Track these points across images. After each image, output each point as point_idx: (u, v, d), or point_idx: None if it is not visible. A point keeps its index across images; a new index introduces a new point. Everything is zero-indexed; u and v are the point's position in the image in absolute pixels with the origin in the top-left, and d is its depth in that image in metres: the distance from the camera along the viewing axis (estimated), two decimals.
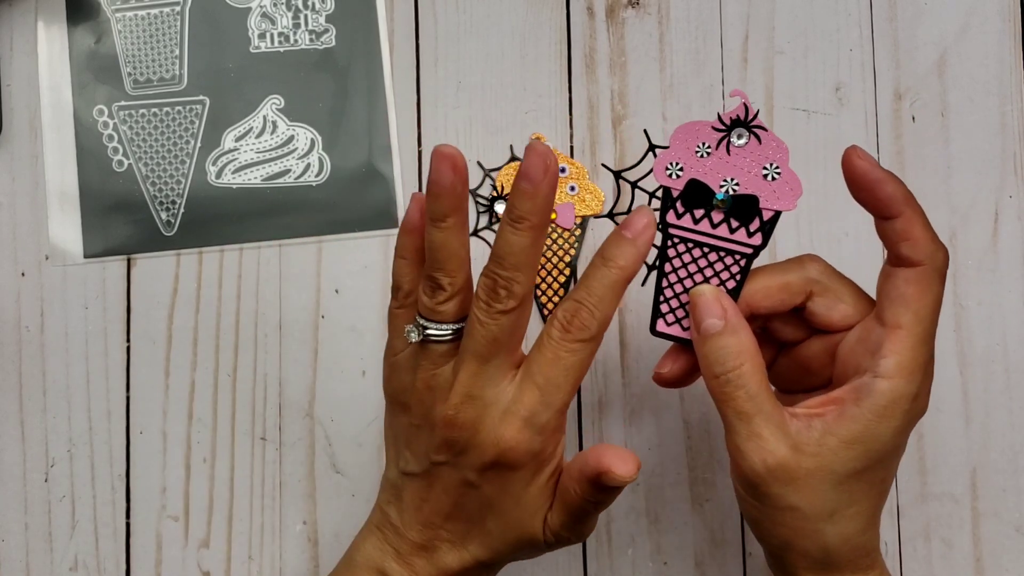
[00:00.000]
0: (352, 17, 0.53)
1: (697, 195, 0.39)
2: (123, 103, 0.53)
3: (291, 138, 0.53)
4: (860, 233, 0.52)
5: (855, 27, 0.54)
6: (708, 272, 0.40)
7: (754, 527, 0.41)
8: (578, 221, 0.52)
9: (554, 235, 0.52)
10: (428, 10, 0.54)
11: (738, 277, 0.39)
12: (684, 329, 0.40)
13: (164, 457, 0.52)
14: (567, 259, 0.52)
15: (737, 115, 0.39)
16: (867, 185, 0.37)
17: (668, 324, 0.40)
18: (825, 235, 0.52)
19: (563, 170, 0.52)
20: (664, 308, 0.40)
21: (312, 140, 0.53)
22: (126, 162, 0.53)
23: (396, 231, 0.52)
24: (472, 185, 0.52)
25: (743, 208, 0.39)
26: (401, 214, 0.52)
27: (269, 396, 0.52)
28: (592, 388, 0.52)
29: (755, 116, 0.39)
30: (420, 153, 0.53)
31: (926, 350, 0.38)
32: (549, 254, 0.52)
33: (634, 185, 0.40)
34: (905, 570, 0.51)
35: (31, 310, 0.52)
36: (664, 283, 0.40)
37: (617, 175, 0.40)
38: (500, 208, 0.52)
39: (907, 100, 0.53)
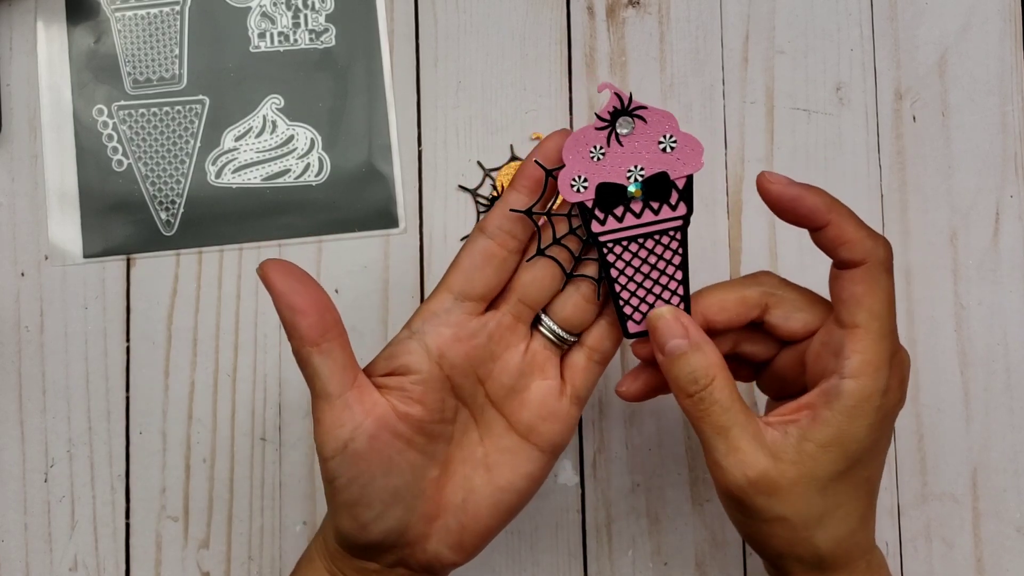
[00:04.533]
0: (352, 17, 0.53)
1: (610, 196, 0.39)
2: (123, 103, 0.53)
3: (291, 138, 0.53)
4: None
5: (855, 27, 0.54)
6: (652, 259, 0.40)
7: (747, 540, 0.41)
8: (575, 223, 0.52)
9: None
10: (428, 10, 0.54)
11: (680, 251, 0.40)
12: None
13: (164, 457, 0.52)
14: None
15: (613, 106, 0.39)
16: (786, 205, 0.38)
17: (638, 323, 0.40)
18: None
19: None
20: (628, 310, 0.40)
21: (312, 140, 0.53)
22: (126, 162, 0.53)
23: (396, 231, 0.52)
24: (472, 185, 0.52)
25: (657, 188, 0.39)
26: (401, 214, 0.52)
27: (269, 396, 0.52)
28: None
29: (630, 101, 0.39)
30: (420, 153, 0.53)
31: (888, 344, 0.38)
32: None
33: (549, 214, 0.39)
34: (906, 570, 0.51)
35: (31, 310, 0.52)
36: (617, 288, 0.40)
37: (529, 213, 0.39)
38: None
39: (908, 100, 0.53)
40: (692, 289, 0.40)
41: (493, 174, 0.52)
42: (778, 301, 0.40)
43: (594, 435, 0.52)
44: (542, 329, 0.41)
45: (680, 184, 0.39)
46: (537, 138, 0.52)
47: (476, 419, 0.41)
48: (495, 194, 0.52)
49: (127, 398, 0.52)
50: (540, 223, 0.40)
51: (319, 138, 0.53)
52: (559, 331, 0.40)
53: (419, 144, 0.53)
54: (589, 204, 0.39)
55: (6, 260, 0.52)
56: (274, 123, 0.53)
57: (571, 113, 0.53)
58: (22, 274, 0.52)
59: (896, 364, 0.38)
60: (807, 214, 0.38)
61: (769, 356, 0.42)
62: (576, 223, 0.40)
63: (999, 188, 0.53)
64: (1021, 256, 0.53)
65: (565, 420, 0.41)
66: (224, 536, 0.51)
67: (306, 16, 0.53)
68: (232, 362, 0.52)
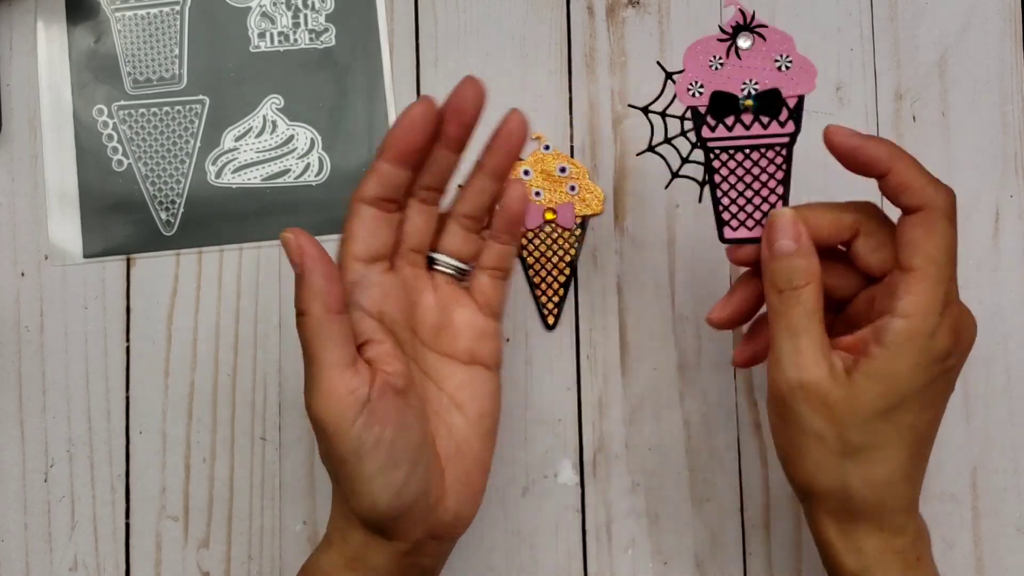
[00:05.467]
0: (352, 17, 0.53)
1: (723, 104, 0.42)
2: (123, 103, 0.53)
3: (291, 138, 0.53)
4: None
5: (855, 27, 0.54)
6: (755, 171, 0.42)
7: (782, 458, 0.41)
8: (578, 221, 0.52)
9: (554, 235, 0.52)
10: (428, 10, 0.54)
11: (784, 167, 0.42)
12: (750, 229, 0.42)
13: (164, 457, 0.52)
14: (567, 259, 0.52)
15: (736, 21, 0.42)
16: (850, 154, 0.40)
17: (734, 229, 0.42)
18: None
19: (563, 170, 0.52)
20: (726, 216, 0.42)
21: (312, 140, 0.53)
22: (126, 162, 0.53)
23: None
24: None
25: (768, 103, 0.41)
26: None
27: (269, 396, 0.52)
28: (592, 388, 0.52)
29: (752, 17, 0.41)
30: None
31: (942, 289, 0.39)
32: (549, 254, 0.52)
33: (663, 115, 0.42)
34: None
35: (31, 310, 0.52)
36: (719, 193, 0.42)
37: (645, 110, 0.41)
38: None
39: (908, 100, 0.53)
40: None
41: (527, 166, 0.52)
42: (870, 231, 0.41)
43: (594, 435, 0.52)
44: (440, 268, 0.43)
45: (791, 103, 0.42)
46: (538, 138, 0.52)
47: (424, 370, 0.42)
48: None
49: (127, 398, 0.52)
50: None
51: (319, 138, 0.53)
52: (455, 263, 0.43)
53: None
54: (702, 110, 0.42)
55: (6, 260, 0.52)
56: (274, 123, 0.53)
57: (571, 113, 0.53)
58: (22, 274, 0.52)
59: (950, 314, 0.39)
60: (868, 162, 0.39)
61: (850, 294, 0.43)
62: (688, 126, 0.42)
63: (999, 188, 0.53)
64: (1021, 256, 0.53)
65: (494, 334, 0.43)
66: (224, 536, 0.51)
67: (306, 16, 0.53)
68: (232, 362, 0.52)
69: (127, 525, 0.51)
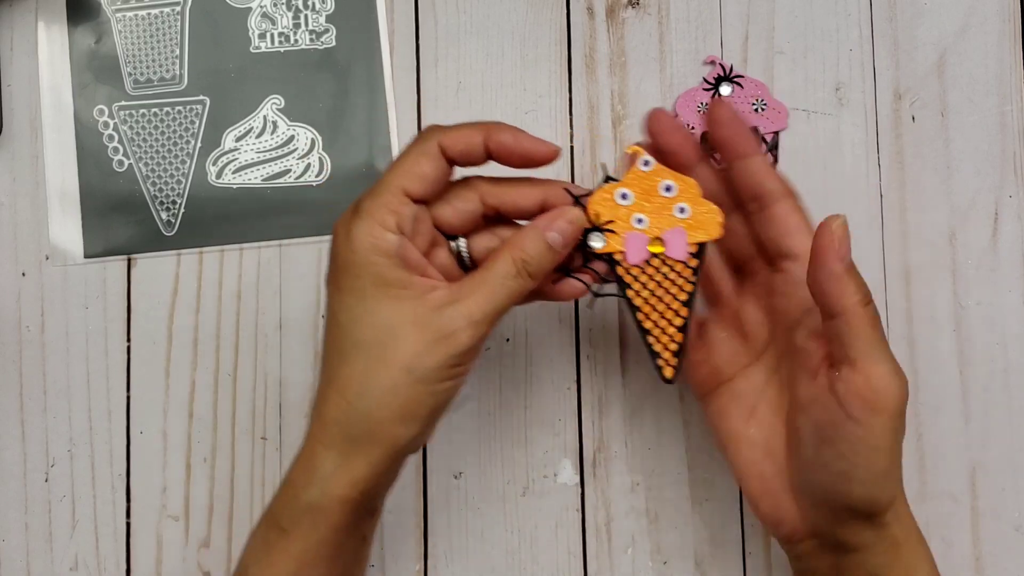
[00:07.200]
0: (352, 17, 0.53)
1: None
2: (123, 103, 0.53)
3: (291, 138, 0.53)
4: (860, 232, 0.52)
5: (855, 27, 0.54)
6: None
7: (847, 481, 0.40)
8: (693, 250, 0.42)
9: (664, 269, 0.42)
10: (428, 10, 0.54)
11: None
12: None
13: (164, 457, 0.52)
14: (682, 297, 0.43)
15: (717, 74, 0.52)
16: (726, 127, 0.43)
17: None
18: None
19: (668, 188, 0.42)
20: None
21: (312, 140, 0.53)
22: (126, 162, 0.53)
23: None
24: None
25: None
26: None
27: (269, 396, 0.52)
28: (592, 388, 0.52)
29: (731, 69, 0.52)
30: None
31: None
32: (660, 292, 0.43)
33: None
34: None
35: (31, 310, 0.52)
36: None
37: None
38: (596, 243, 0.42)
39: (907, 100, 0.53)
40: None
41: (584, 200, 0.42)
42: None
43: (594, 434, 0.52)
44: (452, 245, 0.43)
45: (768, 138, 0.52)
46: (634, 153, 0.43)
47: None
48: (587, 225, 0.42)
49: (128, 398, 0.52)
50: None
51: (319, 138, 0.53)
52: (467, 254, 0.43)
53: None
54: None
55: (7, 260, 0.52)
56: (274, 123, 0.53)
57: (571, 113, 0.53)
58: (23, 274, 0.52)
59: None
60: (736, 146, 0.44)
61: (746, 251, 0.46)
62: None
63: (998, 188, 0.53)
64: (1020, 256, 0.53)
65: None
66: (225, 535, 0.51)
67: (306, 16, 0.53)
68: (233, 361, 0.52)
69: (128, 525, 0.51)
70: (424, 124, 0.53)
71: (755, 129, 0.49)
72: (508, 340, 0.52)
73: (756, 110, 0.52)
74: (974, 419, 0.52)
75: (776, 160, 0.48)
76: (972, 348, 0.52)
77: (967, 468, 0.52)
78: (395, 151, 0.53)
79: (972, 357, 0.52)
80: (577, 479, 0.52)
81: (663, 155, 0.43)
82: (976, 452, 0.52)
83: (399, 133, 0.53)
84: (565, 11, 0.54)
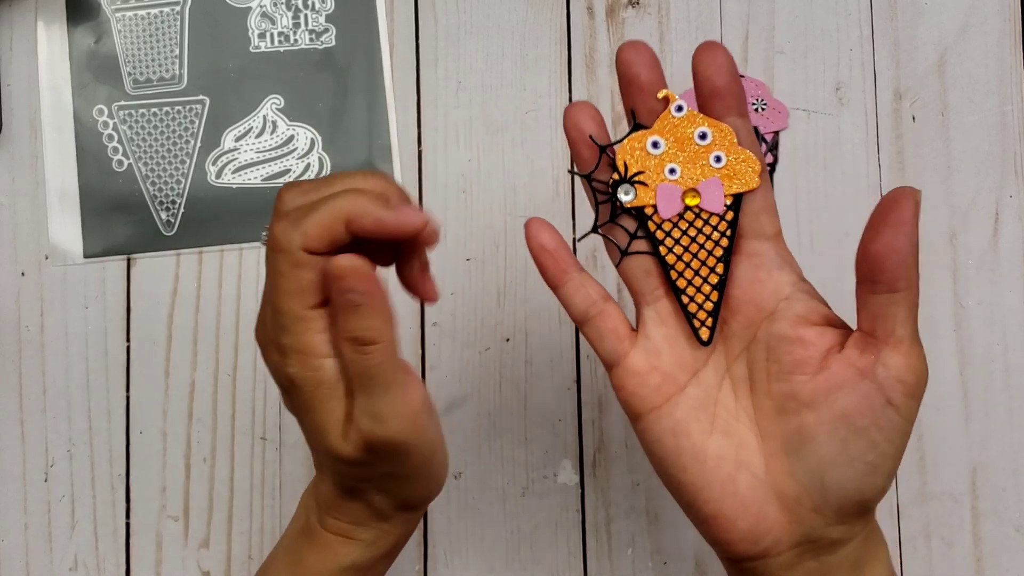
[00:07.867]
0: (352, 17, 0.53)
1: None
2: (123, 103, 0.53)
3: (291, 138, 0.53)
4: (860, 231, 0.52)
5: (855, 27, 0.54)
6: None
7: (868, 473, 0.37)
8: (728, 201, 0.39)
9: (698, 223, 0.39)
10: (428, 10, 0.54)
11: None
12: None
13: (164, 457, 0.52)
14: (718, 252, 0.39)
15: None
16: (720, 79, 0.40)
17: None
18: (825, 235, 0.52)
19: (703, 136, 0.39)
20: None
21: (312, 140, 0.53)
22: (126, 162, 0.53)
23: None
24: (586, 169, 0.39)
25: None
26: None
27: (269, 396, 0.52)
28: (592, 388, 0.52)
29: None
30: (420, 153, 0.53)
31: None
32: (695, 248, 0.39)
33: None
34: (905, 570, 0.51)
35: (31, 310, 0.52)
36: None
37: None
38: (625, 197, 0.39)
39: (907, 100, 0.53)
40: None
41: (612, 149, 0.39)
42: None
43: (594, 435, 0.52)
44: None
45: (769, 138, 0.52)
46: (666, 97, 0.39)
47: None
48: (616, 177, 0.39)
49: (127, 397, 0.52)
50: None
51: (319, 138, 0.53)
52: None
53: (419, 144, 0.53)
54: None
55: (7, 260, 0.52)
56: (274, 123, 0.53)
57: None
58: (23, 274, 0.52)
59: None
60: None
61: None
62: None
63: (998, 188, 0.53)
64: (1020, 256, 0.53)
65: None
66: (224, 535, 0.51)
67: (306, 16, 0.53)
68: (232, 361, 0.52)
69: (127, 525, 0.51)
70: (424, 124, 0.53)
71: (755, 129, 0.50)
72: (508, 340, 0.52)
73: (756, 110, 0.52)
74: (974, 419, 0.52)
75: (776, 160, 0.48)
76: (972, 348, 0.52)
77: (967, 468, 0.52)
78: (395, 151, 0.53)
79: (972, 357, 0.52)
80: (577, 479, 0.52)
81: (629, 84, 0.39)
82: (976, 452, 0.52)
83: (399, 133, 0.53)
84: (565, 11, 0.54)
